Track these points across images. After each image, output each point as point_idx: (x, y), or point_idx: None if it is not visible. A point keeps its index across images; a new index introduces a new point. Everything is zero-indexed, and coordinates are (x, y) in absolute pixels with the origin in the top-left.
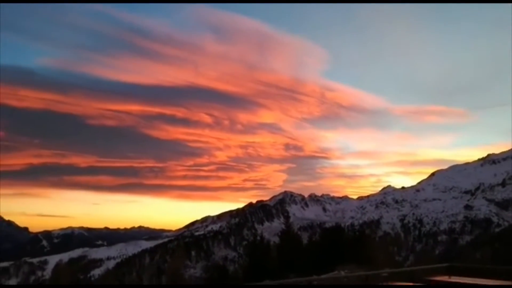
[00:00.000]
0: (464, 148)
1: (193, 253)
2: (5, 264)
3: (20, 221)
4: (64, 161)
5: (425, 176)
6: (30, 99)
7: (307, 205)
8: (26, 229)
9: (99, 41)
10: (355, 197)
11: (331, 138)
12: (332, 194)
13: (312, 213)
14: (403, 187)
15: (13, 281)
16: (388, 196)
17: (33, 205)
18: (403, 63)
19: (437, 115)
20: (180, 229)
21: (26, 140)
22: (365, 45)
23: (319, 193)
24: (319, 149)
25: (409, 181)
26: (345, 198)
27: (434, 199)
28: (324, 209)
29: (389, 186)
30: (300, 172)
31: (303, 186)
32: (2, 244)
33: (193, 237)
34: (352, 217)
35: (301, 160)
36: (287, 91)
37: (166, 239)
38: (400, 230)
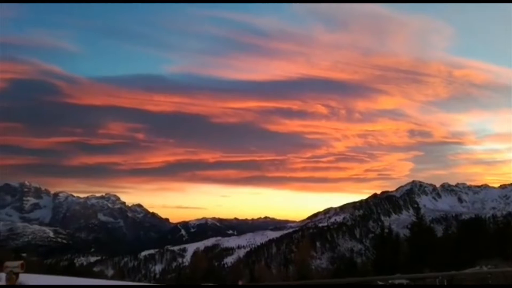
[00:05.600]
0: None
1: (317, 244)
2: (151, 251)
3: (162, 213)
4: (195, 157)
5: None
6: (164, 103)
7: (439, 196)
8: (167, 220)
9: (216, 44)
10: (496, 185)
11: (463, 121)
12: (468, 183)
13: (446, 204)
14: None
15: (158, 267)
16: None
17: (172, 198)
18: None
19: None
20: (303, 220)
21: (162, 140)
22: (496, 14)
23: (453, 182)
24: (450, 134)
25: None
26: (485, 187)
27: None
28: (460, 200)
29: None
30: (429, 160)
31: (434, 175)
32: (148, 234)
33: (317, 228)
34: (494, 208)
35: (430, 147)
36: (409, 74)
37: (290, 230)
38: None
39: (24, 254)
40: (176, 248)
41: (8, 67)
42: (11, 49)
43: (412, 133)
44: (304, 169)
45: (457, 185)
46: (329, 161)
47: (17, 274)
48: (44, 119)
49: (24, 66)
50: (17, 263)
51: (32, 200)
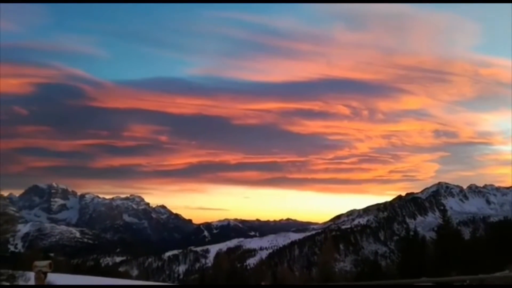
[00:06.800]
0: None
1: (341, 246)
2: (175, 252)
3: (185, 214)
4: (217, 159)
5: None
6: (186, 105)
7: (466, 197)
8: (190, 221)
9: (236, 46)
10: None
11: (490, 121)
12: (497, 185)
13: (474, 206)
14: None
15: (182, 268)
16: None
17: (195, 199)
18: None
19: None
20: (326, 222)
21: (185, 142)
22: None
23: (480, 184)
24: (476, 134)
25: None
26: None
27: None
28: (488, 202)
29: None
30: (455, 161)
31: (460, 176)
32: (172, 234)
33: (340, 231)
34: None
35: (456, 147)
36: (433, 73)
37: (313, 232)
38: None
39: (52, 254)
40: (199, 249)
41: (35, 72)
42: (37, 54)
43: (437, 133)
44: (326, 170)
45: (484, 186)
46: (352, 162)
47: (45, 274)
48: (71, 122)
49: (50, 70)
50: (46, 262)
51: (59, 201)
